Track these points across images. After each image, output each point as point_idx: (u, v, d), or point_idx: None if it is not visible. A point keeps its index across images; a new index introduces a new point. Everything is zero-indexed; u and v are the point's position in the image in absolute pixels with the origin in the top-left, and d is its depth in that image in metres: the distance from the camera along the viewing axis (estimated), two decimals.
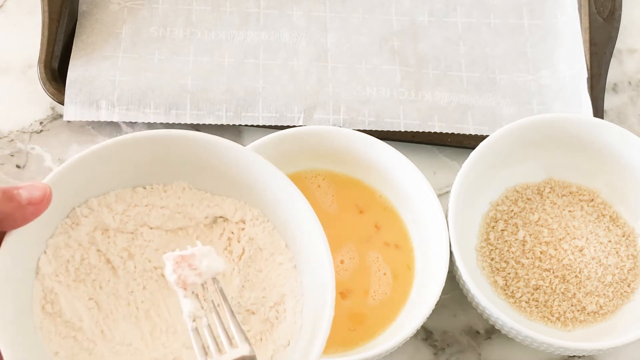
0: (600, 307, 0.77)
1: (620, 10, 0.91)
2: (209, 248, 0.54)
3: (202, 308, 0.54)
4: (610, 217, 0.81)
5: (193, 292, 0.54)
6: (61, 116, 0.86)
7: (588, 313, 0.77)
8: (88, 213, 0.60)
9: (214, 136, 0.60)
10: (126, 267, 0.60)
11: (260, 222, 0.62)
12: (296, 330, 0.59)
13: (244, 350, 0.54)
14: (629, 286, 0.78)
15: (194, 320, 0.54)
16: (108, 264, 0.60)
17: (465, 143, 0.85)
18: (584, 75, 0.87)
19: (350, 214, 0.80)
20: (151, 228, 0.61)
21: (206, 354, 0.53)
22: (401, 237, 0.79)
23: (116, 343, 0.58)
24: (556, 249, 0.78)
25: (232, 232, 0.62)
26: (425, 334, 0.79)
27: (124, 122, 0.85)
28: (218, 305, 0.54)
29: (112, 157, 0.59)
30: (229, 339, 0.54)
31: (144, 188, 0.62)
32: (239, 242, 0.62)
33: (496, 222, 0.81)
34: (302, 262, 0.61)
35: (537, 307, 0.77)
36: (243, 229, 0.62)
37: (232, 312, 0.54)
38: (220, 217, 0.63)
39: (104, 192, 0.61)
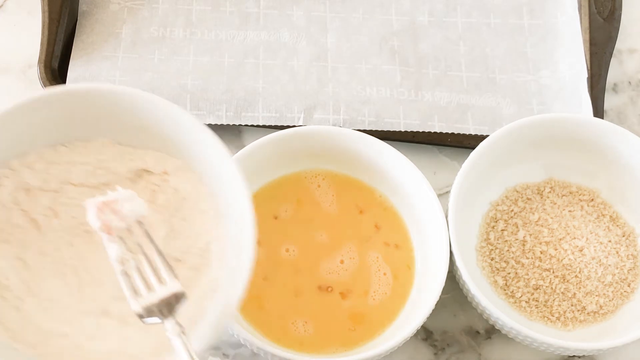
0: (600, 307, 0.77)
1: (620, 10, 0.91)
2: (130, 192, 0.55)
3: (129, 251, 0.55)
4: (610, 217, 0.81)
5: (119, 237, 0.54)
6: None
7: (588, 313, 0.77)
8: (9, 174, 0.61)
9: (131, 89, 0.61)
10: (51, 225, 0.61)
11: (184, 172, 0.63)
12: (222, 275, 0.60)
13: (174, 287, 0.55)
14: (629, 286, 0.78)
15: (122, 264, 0.55)
16: (33, 223, 0.61)
17: (465, 143, 0.85)
18: (584, 75, 0.87)
19: (350, 214, 0.80)
20: (75, 185, 0.62)
21: (136, 294, 0.54)
22: (401, 237, 0.79)
23: (44, 299, 0.59)
24: (556, 249, 0.78)
25: (156, 184, 0.63)
26: (425, 334, 0.79)
27: None
28: (144, 247, 0.55)
29: (29, 116, 0.59)
30: (158, 278, 0.55)
31: (65, 146, 0.63)
32: (163, 192, 0.63)
33: (496, 222, 0.81)
34: (226, 209, 0.61)
35: (537, 307, 0.77)
36: (167, 180, 0.63)
37: (159, 252, 0.55)
38: (144, 169, 0.63)
39: (25, 152, 0.61)
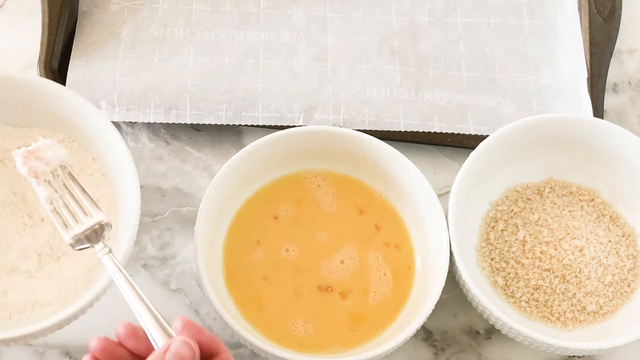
0: (600, 307, 0.77)
1: (620, 10, 0.91)
2: (50, 140, 0.63)
3: (56, 192, 0.63)
4: (610, 217, 0.81)
5: (45, 180, 0.63)
6: None
7: (588, 313, 0.77)
8: None
9: (14, 74, 0.72)
10: None
11: (67, 143, 0.74)
12: (115, 227, 0.71)
13: (99, 217, 0.63)
14: (629, 286, 0.78)
15: (51, 203, 0.64)
16: None
17: (465, 143, 0.85)
18: (584, 75, 0.87)
19: (350, 214, 0.80)
20: None
21: (67, 228, 0.63)
22: (401, 237, 0.79)
23: None
24: (556, 249, 0.78)
25: None
26: (425, 334, 0.79)
27: (124, 122, 0.85)
28: (69, 187, 0.63)
29: None
30: (84, 212, 0.63)
31: None
32: None
33: (496, 222, 0.81)
34: (110, 169, 0.72)
35: (537, 307, 0.77)
36: None
37: (82, 189, 0.63)
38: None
39: None
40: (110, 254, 0.63)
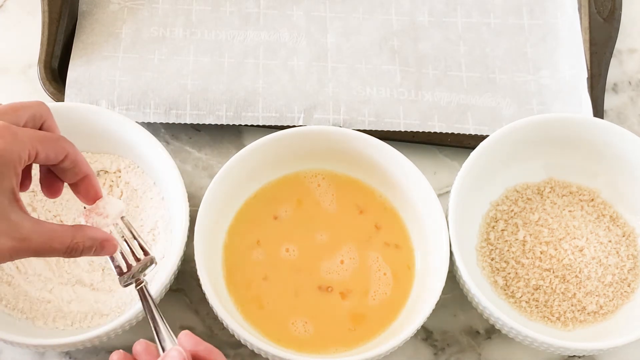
0: (600, 307, 0.77)
1: (620, 10, 0.91)
2: (108, 196, 0.69)
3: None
4: (610, 217, 0.81)
5: (109, 232, 0.68)
6: None
7: (588, 313, 0.77)
8: None
9: (81, 105, 0.80)
10: None
11: (132, 168, 0.81)
12: (168, 245, 0.77)
13: (146, 259, 0.68)
14: (629, 286, 0.78)
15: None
16: None
17: (465, 143, 0.85)
18: (584, 75, 0.87)
19: (350, 214, 0.80)
20: None
21: (121, 271, 0.68)
22: (401, 237, 0.79)
23: (30, 275, 0.76)
24: (556, 249, 0.78)
25: (112, 180, 0.80)
26: (425, 334, 0.79)
27: None
28: (126, 235, 0.69)
29: None
30: (136, 257, 0.68)
31: None
32: (117, 186, 0.80)
33: (496, 222, 0.81)
34: (168, 194, 0.78)
35: (537, 307, 0.77)
36: (120, 176, 0.80)
37: (136, 235, 0.68)
38: (102, 170, 0.81)
39: None
40: (144, 285, 0.69)
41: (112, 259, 0.68)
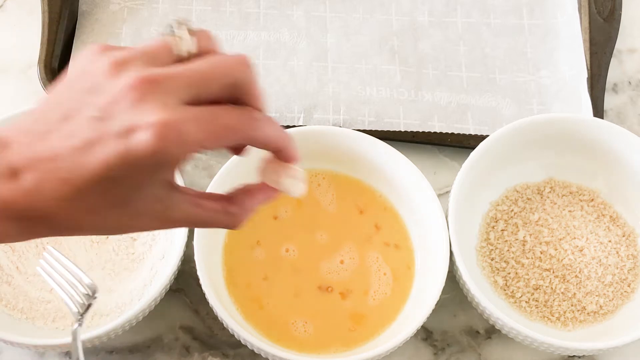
0: (600, 307, 0.77)
1: (620, 10, 0.91)
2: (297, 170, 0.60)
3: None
4: (610, 217, 0.81)
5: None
6: None
7: (588, 313, 0.77)
8: None
9: None
10: None
11: None
12: (168, 246, 0.76)
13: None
14: (629, 286, 0.78)
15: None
16: None
17: (465, 143, 0.85)
18: (584, 75, 0.87)
19: (350, 214, 0.80)
20: None
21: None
22: (401, 237, 0.79)
23: (29, 275, 0.77)
24: (556, 249, 0.78)
25: None
26: (425, 334, 0.79)
27: None
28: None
29: None
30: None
31: None
32: None
33: (496, 222, 0.81)
34: None
35: (537, 307, 0.77)
36: None
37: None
38: None
39: None
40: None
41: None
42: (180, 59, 0.52)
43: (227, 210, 0.55)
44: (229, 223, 0.55)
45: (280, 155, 0.57)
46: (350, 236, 0.79)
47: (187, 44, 0.53)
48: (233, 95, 0.53)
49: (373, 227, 0.79)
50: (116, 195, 0.50)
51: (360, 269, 0.78)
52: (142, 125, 0.48)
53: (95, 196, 0.49)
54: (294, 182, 0.59)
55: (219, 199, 0.55)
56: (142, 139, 0.47)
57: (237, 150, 0.57)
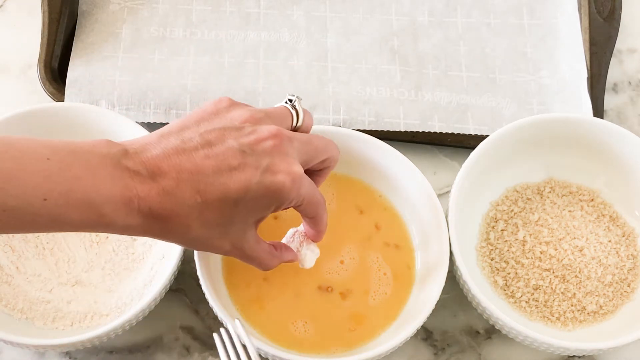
0: (600, 307, 0.77)
1: (620, 10, 0.91)
2: (313, 245, 0.73)
3: None
4: (610, 217, 0.81)
5: None
6: None
7: (588, 313, 0.77)
8: None
9: (87, 105, 0.80)
10: None
11: None
12: (168, 246, 0.76)
13: None
14: (629, 286, 0.78)
15: None
16: None
17: (465, 143, 0.85)
18: (584, 75, 0.87)
19: (350, 214, 0.80)
20: None
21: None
22: (401, 237, 0.79)
23: (29, 275, 0.77)
24: (556, 249, 0.78)
25: None
26: (425, 334, 0.79)
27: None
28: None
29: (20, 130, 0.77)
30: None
31: None
32: None
33: (496, 222, 0.81)
34: None
35: (537, 307, 0.77)
36: None
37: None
38: None
39: None
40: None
41: None
42: (291, 128, 0.67)
43: (273, 253, 0.68)
44: (269, 264, 0.68)
45: (312, 229, 0.71)
46: (350, 236, 0.79)
47: (300, 119, 0.68)
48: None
49: (373, 227, 0.79)
50: (228, 217, 0.61)
51: (361, 269, 0.78)
52: (282, 170, 0.62)
53: (215, 213, 0.60)
54: (311, 255, 0.72)
55: (270, 244, 0.68)
56: (278, 180, 0.61)
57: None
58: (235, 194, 0.60)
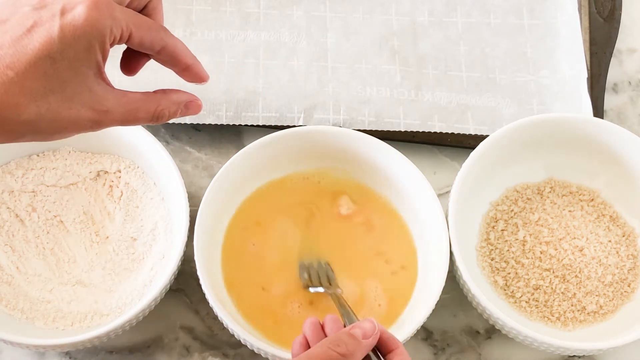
0: (600, 307, 0.77)
1: (620, 10, 0.91)
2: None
3: None
4: (610, 217, 0.81)
5: None
6: None
7: (588, 313, 0.77)
8: None
9: None
10: (31, 219, 0.79)
11: (132, 168, 0.80)
12: (168, 246, 0.77)
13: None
14: (629, 286, 0.78)
15: None
16: (17, 218, 0.79)
17: (465, 143, 0.85)
18: (584, 75, 0.87)
19: (351, 214, 0.80)
20: (47, 186, 0.80)
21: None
22: (401, 237, 0.79)
23: (30, 275, 0.77)
24: (556, 249, 0.78)
25: (112, 181, 0.81)
26: (425, 334, 0.79)
27: None
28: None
29: None
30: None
31: (37, 155, 0.81)
32: (117, 187, 0.80)
33: (496, 222, 0.81)
34: (168, 194, 0.78)
35: (537, 307, 0.77)
36: (120, 177, 0.80)
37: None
38: (102, 170, 0.81)
39: (6, 161, 0.80)
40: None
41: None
42: None
43: (150, 98, 0.62)
44: (153, 111, 0.62)
45: (182, 70, 0.65)
46: (350, 236, 0.79)
47: None
48: None
49: (373, 227, 0.79)
50: (54, 77, 0.56)
51: (360, 269, 0.78)
52: (79, 2, 0.55)
53: (36, 79, 0.55)
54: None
55: (143, 93, 0.62)
56: (77, 12, 0.55)
57: (130, 70, 0.66)
58: (44, 49, 0.55)
